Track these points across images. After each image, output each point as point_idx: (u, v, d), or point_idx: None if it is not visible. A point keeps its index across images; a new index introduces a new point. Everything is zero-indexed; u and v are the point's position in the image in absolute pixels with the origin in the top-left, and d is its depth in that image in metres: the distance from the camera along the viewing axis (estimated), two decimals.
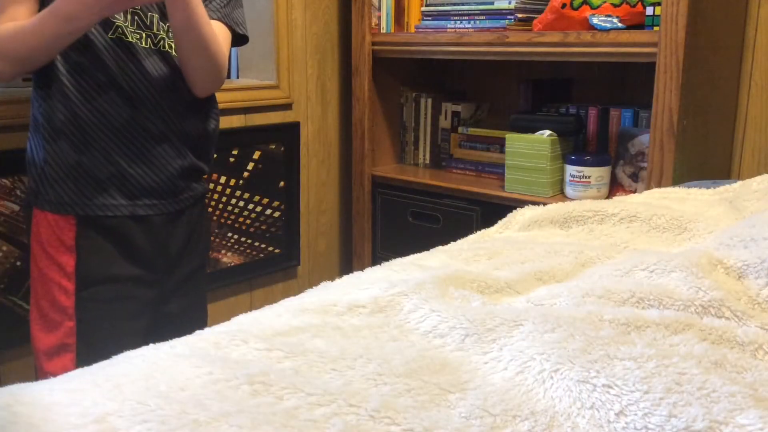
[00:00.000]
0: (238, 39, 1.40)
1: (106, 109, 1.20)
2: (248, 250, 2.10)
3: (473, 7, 2.00)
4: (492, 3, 1.96)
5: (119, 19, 1.21)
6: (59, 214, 1.22)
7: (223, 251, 2.03)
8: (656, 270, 0.86)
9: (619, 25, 1.70)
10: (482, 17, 1.97)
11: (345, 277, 0.90)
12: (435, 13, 2.08)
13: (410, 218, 2.14)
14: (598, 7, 1.75)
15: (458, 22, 2.02)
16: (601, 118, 1.95)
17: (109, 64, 1.19)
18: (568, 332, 0.69)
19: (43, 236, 1.23)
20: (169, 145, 1.26)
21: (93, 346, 1.21)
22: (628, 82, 2.03)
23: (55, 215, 1.22)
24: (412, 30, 2.16)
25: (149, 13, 1.24)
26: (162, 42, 1.25)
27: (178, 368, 0.61)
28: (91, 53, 1.19)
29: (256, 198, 2.09)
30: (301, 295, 0.85)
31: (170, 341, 0.70)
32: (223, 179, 1.99)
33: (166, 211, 1.28)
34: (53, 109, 1.20)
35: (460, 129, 2.22)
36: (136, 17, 1.23)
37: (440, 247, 1.07)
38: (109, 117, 1.20)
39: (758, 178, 1.26)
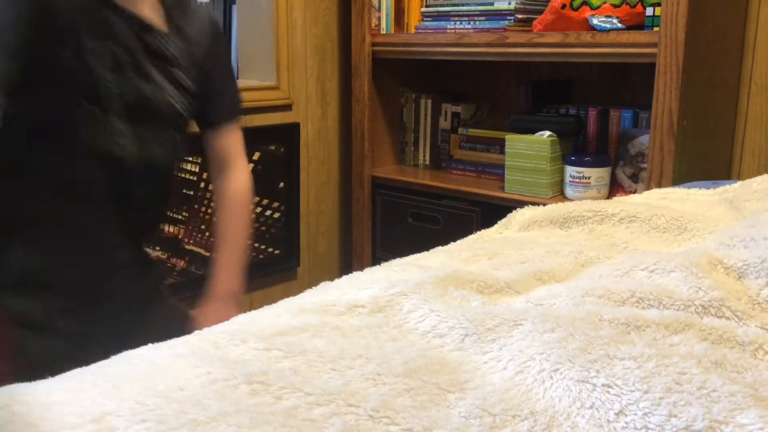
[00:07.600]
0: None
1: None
2: (247, 251, 2.10)
3: (473, 7, 2.00)
4: (492, 4, 1.96)
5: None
6: None
7: None
8: (656, 270, 0.86)
9: (619, 25, 1.69)
10: (482, 18, 1.97)
11: (344, 278, 0.90)
12: (435, 13, 2.08)
13: (410, 219, 2.14)
14: (598, 7, 1.75)
15: (458, 22, 2.02)
16: (600, 118, 1.95)
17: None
18: (568, 332, 0.69)
19: None
20: None
21: None
22: (628, 82, 2.03)
23: None
24: (412, 31, 2.16)
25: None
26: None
27: (176, 368, 0.61)
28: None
29: (256, 199, 2.09)
30: (301, 295, 0.85)
31: (169, 341, 0.70)
32: None
33: None
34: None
35: (460, 130, 2.22)
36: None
37: (440, 248, 1.06)
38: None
39: (758, 178, 1.26)
